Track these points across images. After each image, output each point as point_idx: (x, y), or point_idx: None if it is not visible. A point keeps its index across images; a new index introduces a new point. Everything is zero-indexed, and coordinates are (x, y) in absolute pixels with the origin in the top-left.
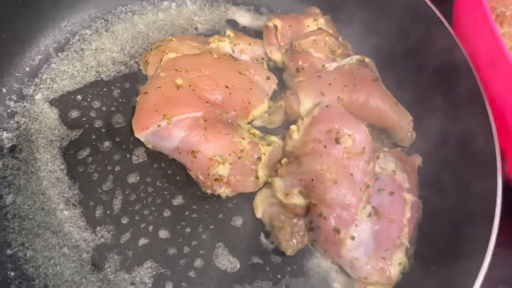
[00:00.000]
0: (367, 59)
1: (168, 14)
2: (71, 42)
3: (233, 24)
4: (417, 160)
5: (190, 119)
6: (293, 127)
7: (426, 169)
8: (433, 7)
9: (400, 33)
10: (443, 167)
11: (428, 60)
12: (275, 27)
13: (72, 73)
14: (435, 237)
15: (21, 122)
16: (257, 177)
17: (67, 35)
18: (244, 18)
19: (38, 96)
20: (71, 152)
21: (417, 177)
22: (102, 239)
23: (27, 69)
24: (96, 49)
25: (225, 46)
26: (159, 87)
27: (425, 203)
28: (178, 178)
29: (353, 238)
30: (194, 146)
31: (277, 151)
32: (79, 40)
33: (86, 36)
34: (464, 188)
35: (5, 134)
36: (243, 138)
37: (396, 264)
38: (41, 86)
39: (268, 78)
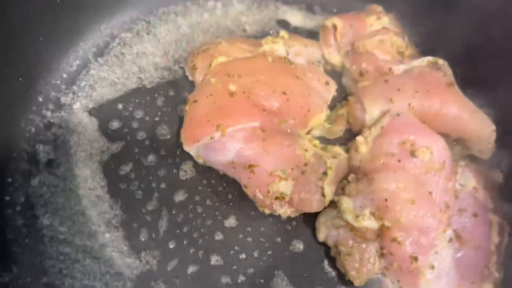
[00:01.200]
0: (440, 61)
1: (214, 15)
2: (110, 46)
3: (283, 24)
4: (498, 176)
5: (247, 130)
6: (359, 138)
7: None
8: None
9: (475, 30)
10: None
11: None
12: (334, 26)
13: (112, 80)
14: None
15: (59, 133)
16: (323, 195)
17: (107, 38)
18: (295, 17)
19: (77, 105)
20: (112, 167)
21: (499, 195)
22: (147, 266)
23: (65, 75)
24: (137, 53)
25: (279, 48)
26: (211, 95)
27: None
28: (230, 196)
29: (432, 267)
30: (252, 159)
31: (343, 164)
32: (119, 43)
33: (126, 39)
34: None
35: (41, 147)
36: (306, 150)
37: None
38: (80, 94)
39: (327, 83)
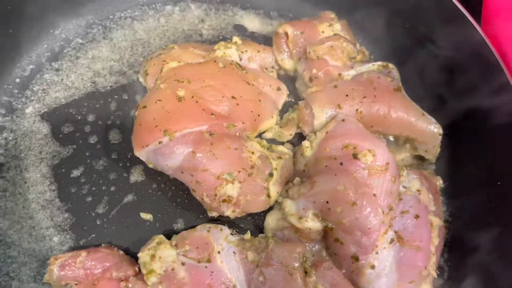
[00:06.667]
0: (390, 65)
1: (171, 20)
2: (65, 51)
3: (241, 29)
4: (438, 180)
5: (195, 134)
6: (305, 143)
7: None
8: (458, 5)
9: (421, 34)
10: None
11: (457, 63)
12: (286, 33)
13: (66, 84)
14: (462, 266)
15: (10, 138)
16: (268, 196)
17: (62, 43)
18: (253, 23)
19: (29, 110)
20: (63, 170)
21: (440, 199)
22: None
23: (17, 80)
24: (92, 58)
25: (232, 53)
26: (159, 100)
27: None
28: (179, 200)
29: (373, 267)
30: (199, 164)
31: (288, 164)
32: (74, 48)
33: (82, 44)
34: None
35: None
36: (252, 153)
37: None
38: (32, 98)
39: (278, 89)
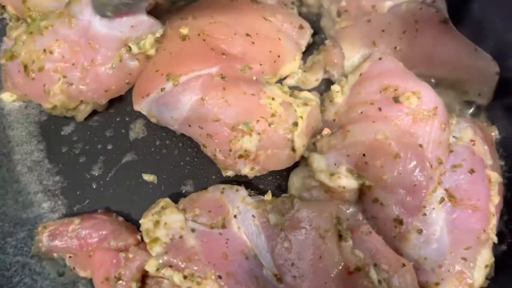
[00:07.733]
0: None
1: None
2: None
3: None
4: (494, 130)
5: (203, 78)
6: (335, 87)
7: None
8: None
9: None
10: None
11: None
12: None
13: None
14: None
15: None
16: (293, 149)
17: None
18: None
19: None
20: (52, 127)
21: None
22: None
23: None
24: None
25: None
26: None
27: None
28: (187, 158)
29: (420, 231)
30: (210, 113)
31: (315, 112)
32: None
33: None
34: None
35: None
36: (273, 99)
37: (481, 266)
38: None
39: (301, 27)
